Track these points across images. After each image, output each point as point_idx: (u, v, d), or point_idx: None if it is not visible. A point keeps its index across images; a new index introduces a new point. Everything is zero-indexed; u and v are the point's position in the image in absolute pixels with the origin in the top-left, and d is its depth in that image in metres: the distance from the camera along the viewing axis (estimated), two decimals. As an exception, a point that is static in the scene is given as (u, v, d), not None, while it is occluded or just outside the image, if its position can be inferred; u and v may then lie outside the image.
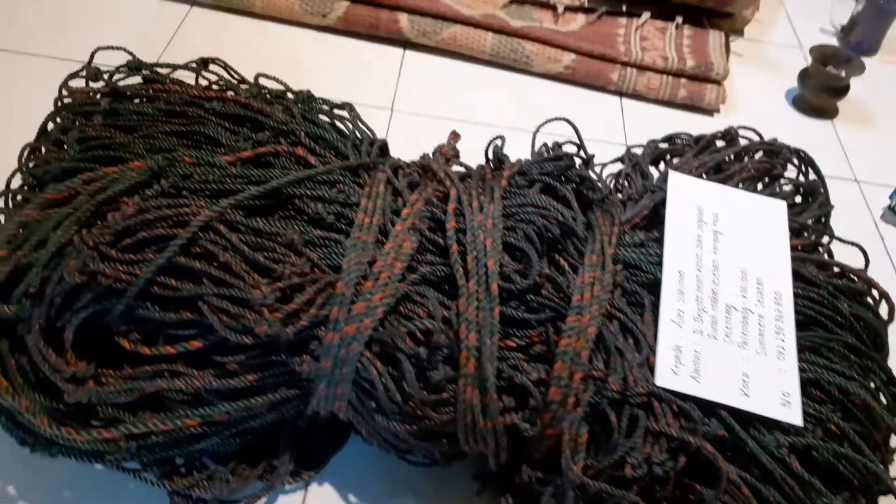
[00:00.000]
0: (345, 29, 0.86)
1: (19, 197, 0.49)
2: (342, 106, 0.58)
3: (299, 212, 0.45)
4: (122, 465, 0.41)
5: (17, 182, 0.50)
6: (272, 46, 0.85)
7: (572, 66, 0.83)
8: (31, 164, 0.51)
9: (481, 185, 0.47)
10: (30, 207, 0.41)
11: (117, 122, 0.52)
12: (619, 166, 0.61)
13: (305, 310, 0.40)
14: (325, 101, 0.59)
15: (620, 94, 0.84)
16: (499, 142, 0.52)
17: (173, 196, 0.44)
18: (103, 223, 0.41)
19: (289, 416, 0.44)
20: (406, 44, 0.86)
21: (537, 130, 0.55)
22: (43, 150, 0.52)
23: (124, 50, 0.60)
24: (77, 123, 0.51)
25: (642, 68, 0.83)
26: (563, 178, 0.51)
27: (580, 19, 0.89)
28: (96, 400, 0.39)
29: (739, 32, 0.98)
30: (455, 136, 0.62)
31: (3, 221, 0.47)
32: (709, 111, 0.85)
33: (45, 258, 0.39)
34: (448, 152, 0.58)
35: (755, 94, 0.89)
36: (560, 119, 0.56)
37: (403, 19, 0.84)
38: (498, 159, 0.52)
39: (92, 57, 0.57)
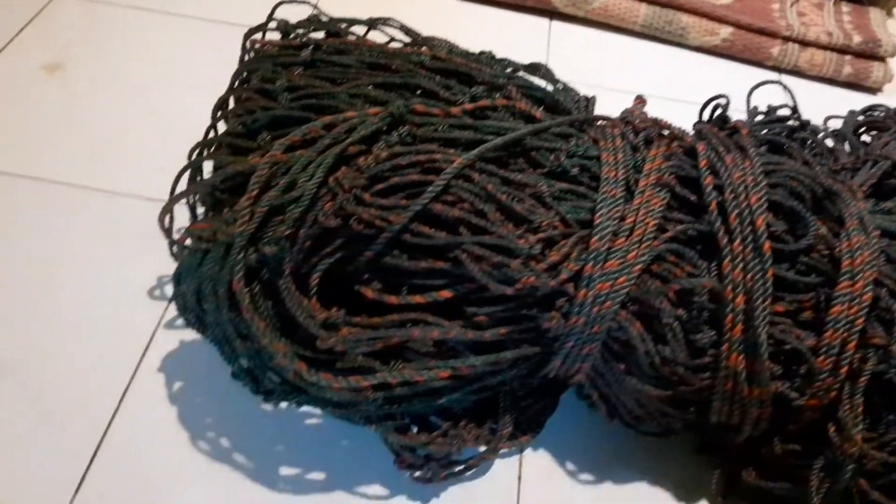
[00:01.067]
0: (491, -3, 0.84)
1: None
2: (534, 66, 0.57)
3: (534, 164, 0.43)
4: (365, 416, 0.40)
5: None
6: (411, 14, 0.83)
7: (730, 38, 0.80)
8: (220, 115, 0.50)
9: (721, 142, 0.45)
10: (275, 149, 0.40)
11: (318, 74, 0.51)
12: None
13: (563, 263, 0.38)
14: (510, 62, 0.57)
15: (779, 69, 0.81)
16: (723, 101, 0.50)
17: (408, 144, 0.42)
18: (355, 166, 0.39)
19: (518, 376, 0.43)
20: (552, 14, 0.84)
21: (753, 90, 0.53)
22: (232, 100, 0.51)
23: (309, 3, 0.59)
24: (277, 74, 0.50)
25: (805, 44, 0.79)
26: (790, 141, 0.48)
27: (732, -8, 0.85)
28: (348, 347, 0.38)
29: (889, 13, 0.93)
30: (641, 100, 0.59)
31: (217, 169, 0.46)
32: (873, 90, 0.81)
33: (307, 198, 0.37)
34: (640, 115, 0.56)
35: (915, 74, 0.85)
36: (773, 83, 0.54)
37: (553, -12, 0.82)
38: (722, 119, 0.49)
39: (273, 10, 0.56)
